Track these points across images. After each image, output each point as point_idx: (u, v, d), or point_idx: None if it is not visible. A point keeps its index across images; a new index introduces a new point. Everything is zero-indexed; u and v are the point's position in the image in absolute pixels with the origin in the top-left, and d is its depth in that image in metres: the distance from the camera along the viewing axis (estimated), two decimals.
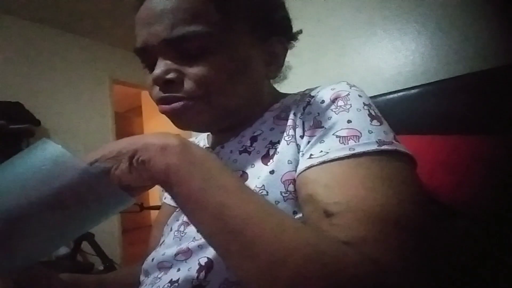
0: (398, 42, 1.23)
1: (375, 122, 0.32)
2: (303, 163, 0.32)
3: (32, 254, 0.25)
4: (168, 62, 0.36)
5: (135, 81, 3.24)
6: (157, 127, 3.42)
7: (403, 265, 0.23)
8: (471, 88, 0.82)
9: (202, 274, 0.33)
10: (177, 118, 0.38)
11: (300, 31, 0.46)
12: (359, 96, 0.35)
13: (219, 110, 0.38)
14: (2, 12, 2.35)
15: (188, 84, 0.36)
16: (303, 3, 1.44)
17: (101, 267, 2.07)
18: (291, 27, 0.45)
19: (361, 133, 0.31)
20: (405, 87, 0.95)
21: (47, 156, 0.23)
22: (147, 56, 0.38)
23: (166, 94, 0.36)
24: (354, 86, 0.37)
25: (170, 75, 0.35)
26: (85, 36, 2.88)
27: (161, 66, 0.35)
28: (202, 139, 0.55)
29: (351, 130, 0.31)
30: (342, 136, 0.31)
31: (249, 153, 0.40)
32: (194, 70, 0.35)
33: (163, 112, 0.38)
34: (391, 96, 0.95)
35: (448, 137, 0.62)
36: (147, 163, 0.25)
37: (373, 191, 0.27)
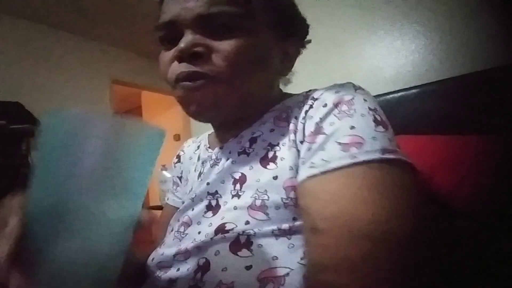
0: (398, 42, 1.23)
1: (380, 128, 0.31)
2: (304, 172, 0.31)
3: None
4: (198, 36, 0.35)
5: (135, 81, 3.23)
6: None
7: (391, 285, 0.23)
8: (471, 88, 0.82)
9: (199, 274, 0.33)
10: (196, 99, 0.37)
11: (309, 41, 0.47)
12: (364, 100, 0.34)
13: (238, 95, 0.38)
14: (2, 12, 2.35)
15: (216, 59, 0.35)
16: (303, 4, 1.44)
17: None
18: (307, 32, 0.46)
19: (364, 139, 0.30)
20: (405, 87, 0.95)
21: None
22: (172, 30, 0.37)
23: (191, 70, 0.35)
24: (360, 88, 0.36)
25: (199, 48, 0.35)
26: (85, 36, 2.88)
27: (188, 38, 0.35)
28: (203, 139, 0.54)
29: (354, 137, 0.30)
30: (344, 143, 0.30)
31: (248, 154, 0.39)
32: (223, 45, 0.35)
33: (182, 92, 0.37)
34: (391, 96, 0.95)
35: (448, 137, 0.62)
36: None
37: (366, 204, 0.26)
